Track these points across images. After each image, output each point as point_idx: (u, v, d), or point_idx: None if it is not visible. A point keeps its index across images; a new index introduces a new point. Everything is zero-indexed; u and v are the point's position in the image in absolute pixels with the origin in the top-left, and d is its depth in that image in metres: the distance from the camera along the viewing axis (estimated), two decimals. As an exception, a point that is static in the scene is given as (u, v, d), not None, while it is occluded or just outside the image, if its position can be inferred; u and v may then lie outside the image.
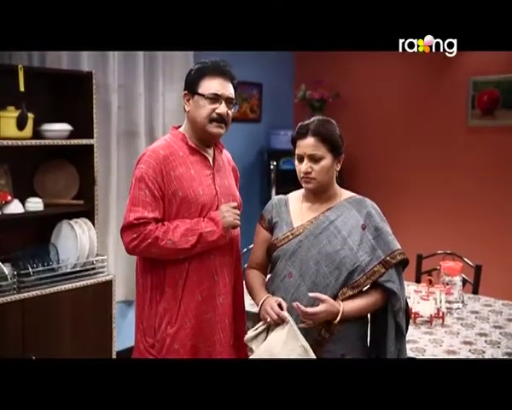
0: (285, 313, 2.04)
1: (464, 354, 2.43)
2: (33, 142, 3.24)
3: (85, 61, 3.73)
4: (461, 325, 2.80)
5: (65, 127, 3.40)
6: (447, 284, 3.04)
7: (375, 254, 2.09)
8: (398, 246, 2.13)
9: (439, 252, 3.70)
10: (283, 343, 2.03)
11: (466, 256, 3.58)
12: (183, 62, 4.33)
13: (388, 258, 2.09)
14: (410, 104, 4.86)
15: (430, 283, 3.10)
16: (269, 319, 2.07)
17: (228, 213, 2.16)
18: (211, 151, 2.27)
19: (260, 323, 2.14)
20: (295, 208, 2.23)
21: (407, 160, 4.89)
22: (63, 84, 3.50)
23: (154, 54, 4.21)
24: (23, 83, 3.16)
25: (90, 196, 3.53)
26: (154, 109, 4.24)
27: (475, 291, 3.44)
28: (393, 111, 4.93)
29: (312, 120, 2.16)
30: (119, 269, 4.06)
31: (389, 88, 4.93)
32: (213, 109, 2.17)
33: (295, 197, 2.27)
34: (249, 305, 3.03)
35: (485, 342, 2.58)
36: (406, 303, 2.18)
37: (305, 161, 2.13)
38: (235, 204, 2.21)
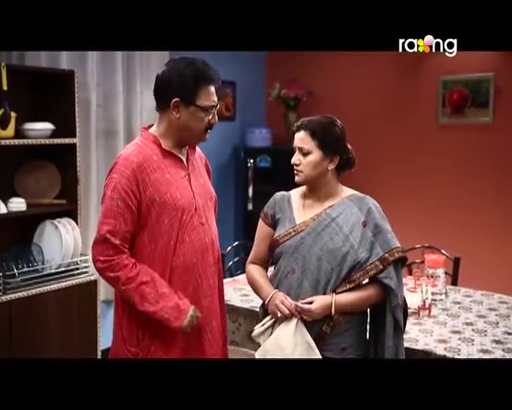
0: (294, 309, 2.10)
1: (455, 342, 2.52)
2: (16, 141, 3.20)
3: (64, 59, 3.71)
4: (446, 315, 2.90)
5: (47, 126, 3.37)
6: (431, 277, 3.14)
7: (373, 251, 2.15)
8: (397, 244, 2.19)
9: (417, 246, 3.82)
10: (291, 337, 2.08)
11: (440, 249, 3.71)
12: (160, 62, 4.33)
13: (386, 255, 2.15)
14: (383, 103, 4.97)
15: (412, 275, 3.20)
16: (279, 314, 2.11)
17: (192, 320, 2.09)
18: (184, 151, 2.21)
19: (267, 318, 2.18)
20: (297, 205, 2.27)
21: (379, 157, 4.99)
22: (44, 83, 3.46)
23: (132, 53, 4.20)
24: (6, 82, 3.12)
25: (72, 195, 3.51)
26: (132, 108, 4.23)
27: (454, 283, 3.57)
28: (366, 109, 5.02)
29: (313, 117, 2.23)
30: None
31: (362, 87, 5.03)
32: (209, 120, 2.13)
33: (297, 194, 2.31)
34: (239, 301, 3.08)
35: (473, 330, 2.68)
36: (404, 300, 2.24)
37: (296, 153, 2.22)
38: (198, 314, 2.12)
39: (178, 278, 2.11)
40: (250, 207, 5.00)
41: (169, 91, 2.09)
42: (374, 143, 4.99)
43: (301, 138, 2.19)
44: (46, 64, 3.59)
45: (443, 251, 3.69)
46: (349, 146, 2.28)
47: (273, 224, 2.29)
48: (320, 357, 2.09)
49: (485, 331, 2.67)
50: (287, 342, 2.08)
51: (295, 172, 2.22)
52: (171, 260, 2.10)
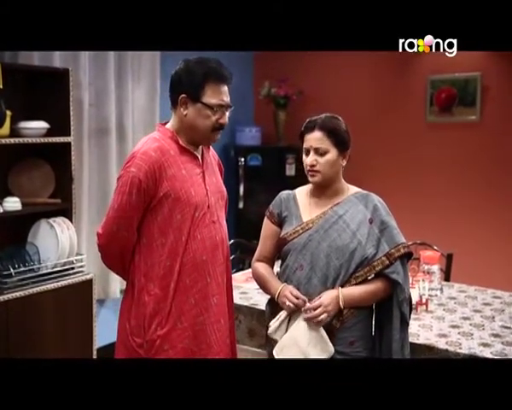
0: (304, 297, 2.13)
1: (455, 337, 2.56)
2: (12, 140, 3.18)
3: (57, 58, 3.68)
4: (443, 310, 2.94)
5: (42, 125, 3.34)
6: (427, 273, 3.19)
7: (380, 247, 2.20)
8: (403, 239, 2.24)
9: (409, 243, 3.85)
10: (305, 330, 2.12)
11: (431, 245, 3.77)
12: (151, 60, 4.37)
13: (393, 251, 2.20)
14: (372, 102, 5.01)
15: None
16: (287, 303, 2.14)
17: None
18: (199, 149, 2.23)
19: (281, 312, 2.20)
20: (303, 203, 2.30)
21: (368, 156, 5.01)
22: (39, 82, 3.44)
23: (124, 51, 4.19)
24: (0, 80, 3.10)
25: (66, 194, 3.49)
26: (123, 106, 4.22)
27: (447, 278, 3.62)
28: (355, 108, 5.04)
29: (320, 115, 2.25)
30: (91, 268, 4.01)
31: (351, 85, 5.06)
32: (217, 119, 2.13)
33: (303, 192, 2.33)
34: (239, 298, 3.09)
35: (471, 325, 2.72)
36: (410, 294, 2.27)
37: (311, 153, 2.22)
38: None
39: (188, 274, 2.12)
40: (241, 205, 5.00)
41: (178, 88, 2.12)
42: (362, 142, 4.99)
43: (317, 138, 2.20)
44: (39, 63, 3.56)
45: (435, 247, 3.74)
46: None
47: (279, 222, 2.31)
48: (333, 349, 2.13)
49: (483, 326, 2.71)
50: (301, 335, 2.12)
51: (310, 173, 2.22)
52: (181, 256, 2.11)
